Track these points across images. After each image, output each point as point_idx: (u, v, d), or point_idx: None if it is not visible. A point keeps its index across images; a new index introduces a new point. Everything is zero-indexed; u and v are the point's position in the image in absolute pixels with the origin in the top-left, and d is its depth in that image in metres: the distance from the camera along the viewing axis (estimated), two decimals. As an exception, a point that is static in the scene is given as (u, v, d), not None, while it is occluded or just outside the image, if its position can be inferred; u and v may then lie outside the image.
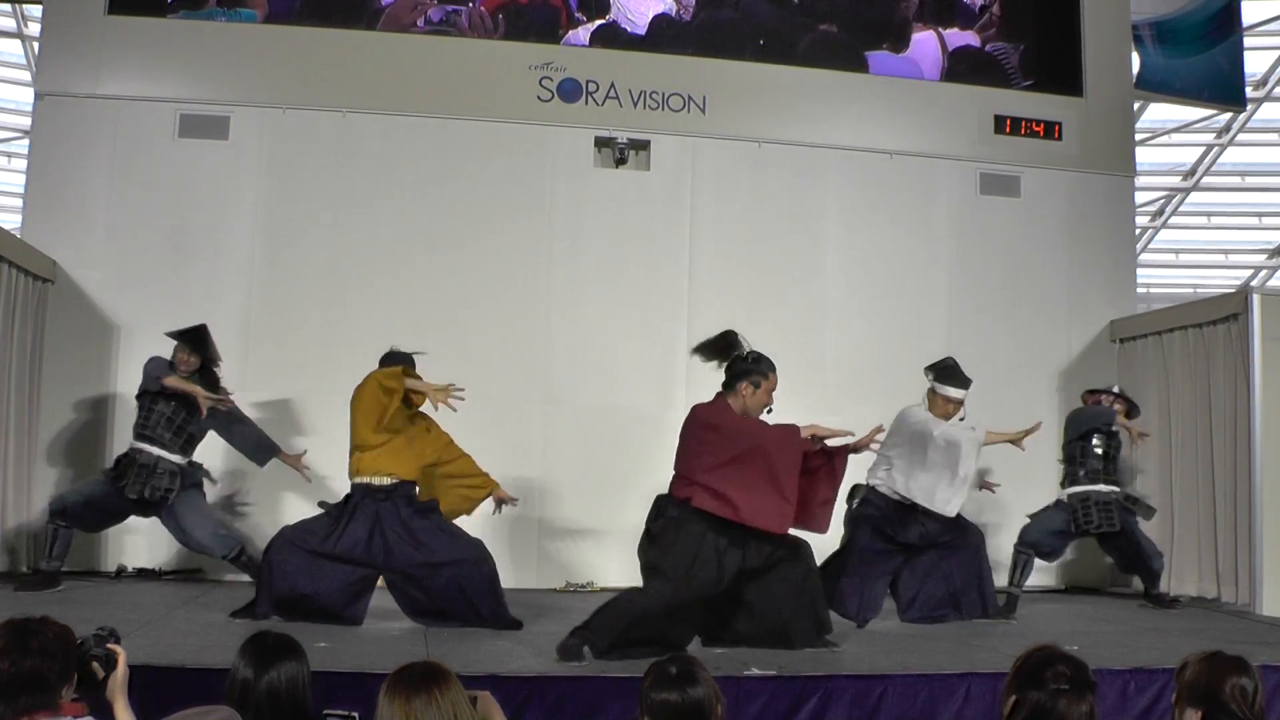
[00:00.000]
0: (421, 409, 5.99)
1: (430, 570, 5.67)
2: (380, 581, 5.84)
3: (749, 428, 5.14)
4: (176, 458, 6.51)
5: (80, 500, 6.46)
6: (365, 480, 5.78)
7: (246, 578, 6.45)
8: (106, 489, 6.47)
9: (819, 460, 5.30)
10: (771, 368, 5.28)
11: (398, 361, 5.94)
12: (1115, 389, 7.71)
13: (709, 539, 5.04)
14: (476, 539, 5.88)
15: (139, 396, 6.64)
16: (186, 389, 6.49)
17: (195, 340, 6.65)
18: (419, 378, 5.89)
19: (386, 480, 5.77)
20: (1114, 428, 7.35)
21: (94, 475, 6.85)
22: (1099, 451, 7.26)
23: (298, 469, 6.83)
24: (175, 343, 6.67)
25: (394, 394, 5.71)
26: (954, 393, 6.46)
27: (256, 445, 6.87)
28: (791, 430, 5.11)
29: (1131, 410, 7.55)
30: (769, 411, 5.30)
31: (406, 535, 5.69)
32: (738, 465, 5.03)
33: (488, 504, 6.36)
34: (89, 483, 6.63)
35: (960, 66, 8.94)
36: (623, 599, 5.13)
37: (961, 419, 6.48)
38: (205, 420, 6.59)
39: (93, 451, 7.46)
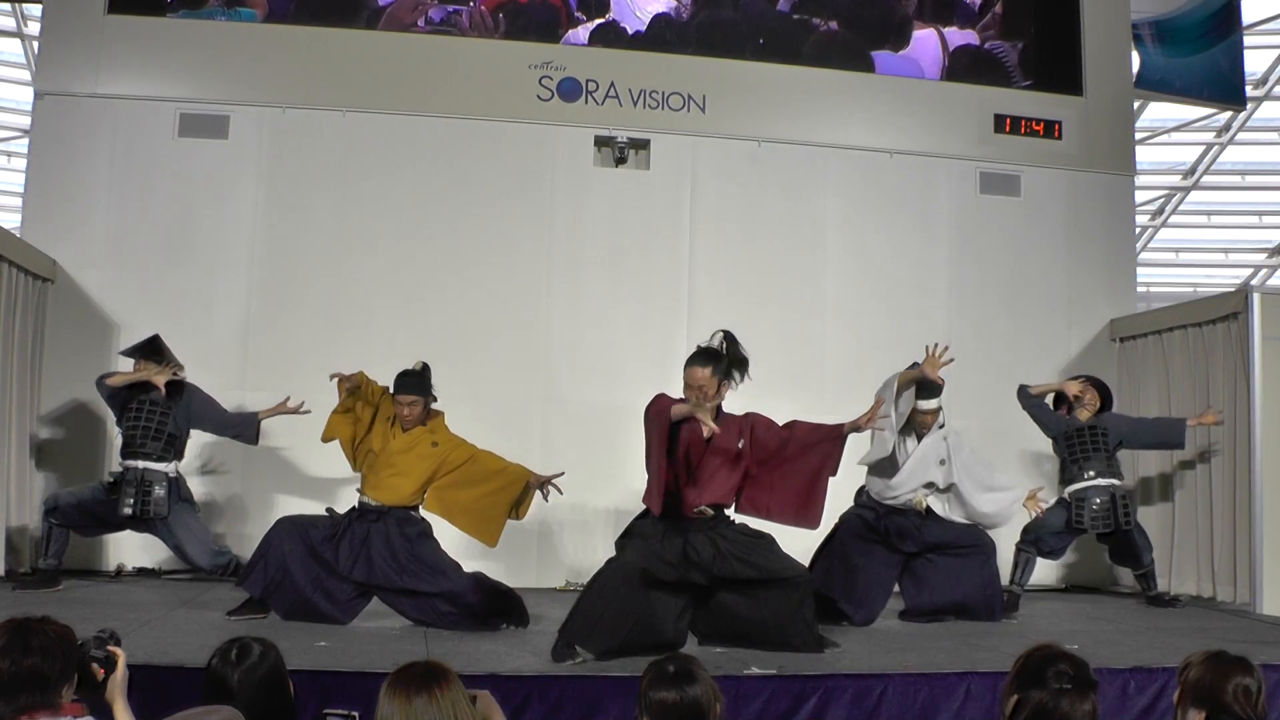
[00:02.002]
0: (429, 416, 5.84)
1: (411, 597, 5.64)
2: None
3: (646, 410, 5.09)
4: (163, 466, 6.48)
5: (73, 501, 6.47)
6: (364, 499, 5.79)
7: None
8: (101, 499, 6.48)
9: (795, 448, 5.22)
10: (690, 362, 5.11)
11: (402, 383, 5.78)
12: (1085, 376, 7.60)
13: (674, 525, 5.07)
14: (456, 564, 5.72)
15: (117, 422, 6.67)
16: (133, 377, 6.52)
17: (150, 350, 6.63)
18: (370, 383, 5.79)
19: (379, 503, 5.76)
20: (1033, 393, 7.30)
21: (93, 480, 6.85)
22: (1089, 445, 7.20)
23: (291, 411, 6.56)
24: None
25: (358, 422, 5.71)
26: (925, 405, 6.27)
27: (238, 422, 6.75)
28: (660, 403, 5.03)
29: (1102, 391, 7.42)
30: (708, 407, 5.06)
31: (390, 559, 5.61)
32: (648, 448, 5.06)
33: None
34: (86, 487, 6.62)
35: (960, 65, 8.94)
36: (591, 582, 5.13)
37: (941, 426, 6.35)
38: (176, 409, 6.56)
39: (93, 451, 7.46)
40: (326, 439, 5.83)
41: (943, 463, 6.31)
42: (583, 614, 4.93)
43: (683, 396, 5.13)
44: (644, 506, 5.22)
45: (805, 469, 5.25)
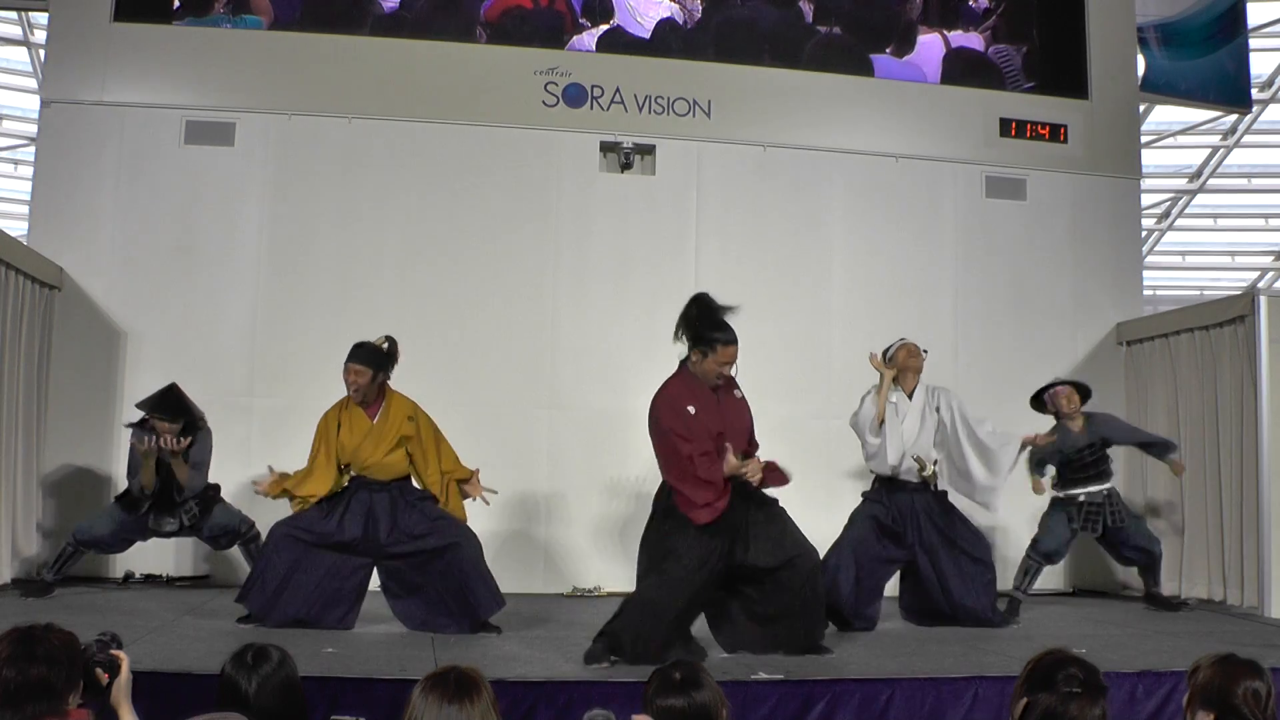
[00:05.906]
0: (381, 395, 5.94)
1: (421, 559, 5.72)
2: (376, 585, 5.87)
3: (652, 414, 5.13)
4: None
5: (113, 530, 6.50)
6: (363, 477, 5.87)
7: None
8: (133, 516, 6.49)
9: None
10: (724, 341, 5.18)
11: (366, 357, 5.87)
12: (1057, 382, 7.39)
13: (705, 530, 4.98)
14: (458, 522, 5.86)
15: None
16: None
17: (167, 405, 6.41)
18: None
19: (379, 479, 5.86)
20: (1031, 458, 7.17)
21: (99, 489, 6.85)
22: (1088, 465, 7.11)
23: None
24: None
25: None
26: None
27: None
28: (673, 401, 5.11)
29: (1082, 390, 7.31)
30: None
31: (395, 526, 5.74)
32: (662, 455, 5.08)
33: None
34: (111, 513, 6.57)
35: (965, 69, 8.93)
36: (638, 594, 5.05)
37: (925, 351, 6.51)
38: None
39: (100, 459, 7.46)
40: (302, 506, 5.79)
41: (937, 410, 6.39)
42: (637, 631, 4.86)
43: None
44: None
45: None
